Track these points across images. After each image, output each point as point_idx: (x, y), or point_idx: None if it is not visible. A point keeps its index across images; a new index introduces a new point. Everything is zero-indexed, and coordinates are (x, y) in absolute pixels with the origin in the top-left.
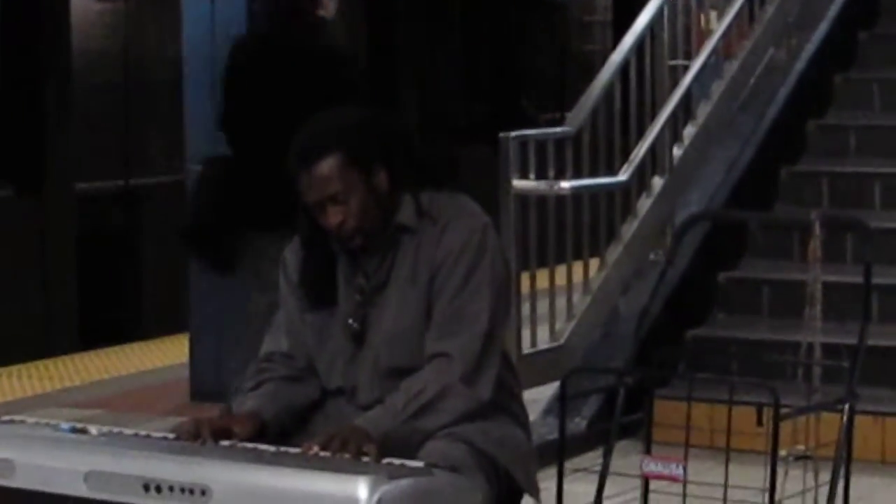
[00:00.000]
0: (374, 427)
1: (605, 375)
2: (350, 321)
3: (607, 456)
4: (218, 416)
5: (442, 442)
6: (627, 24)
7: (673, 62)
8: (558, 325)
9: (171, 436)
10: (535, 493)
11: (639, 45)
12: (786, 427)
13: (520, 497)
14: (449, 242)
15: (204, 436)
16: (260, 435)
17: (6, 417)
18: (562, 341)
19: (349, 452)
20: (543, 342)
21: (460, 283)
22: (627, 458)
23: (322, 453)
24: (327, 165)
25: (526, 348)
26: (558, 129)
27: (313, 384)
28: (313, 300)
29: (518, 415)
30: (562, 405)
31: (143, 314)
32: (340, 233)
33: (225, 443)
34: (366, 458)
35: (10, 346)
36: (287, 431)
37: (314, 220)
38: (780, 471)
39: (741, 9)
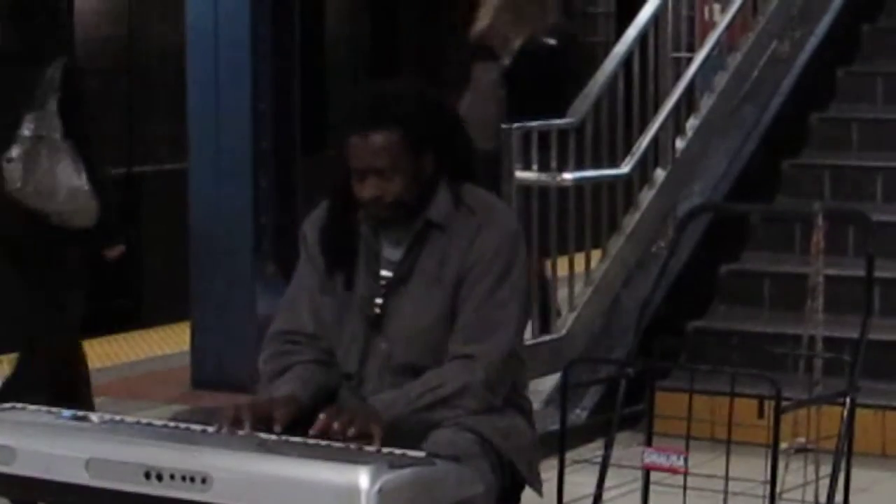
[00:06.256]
0: (384, 409)
1: (606, 366)
2: (377, 309)
3: (608, 447)
4: (258, 401)
5: (449, 431)
6: (631, 15)
7: (676, 54)
8: (560, 317)
9: (172, 423)
10: (537, 486)
11: (642, 37)
12: (787, 419)
13: (522, 489)
14: (480, 247)
15: (245, 423)
16: (299, 419)
17: (7, 404)
18: (563, 332)
19: (353, 430)
20: (545, 333)
21: (489, 289)
22: (628, 449)
23: (327, 432)
24: (384, 138)
25: (527, 339)
26: (561, 121)
27: (336, 369)
28: (332, 269)
29: (524, 407)
30: (563, 396)
31: (145, 302)
32: (372, 206)
33: (241, 432)
34: (369, 446)
35: (12, 334)
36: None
37: (349, 192)
38: (780, 463)
39: (744, 1)
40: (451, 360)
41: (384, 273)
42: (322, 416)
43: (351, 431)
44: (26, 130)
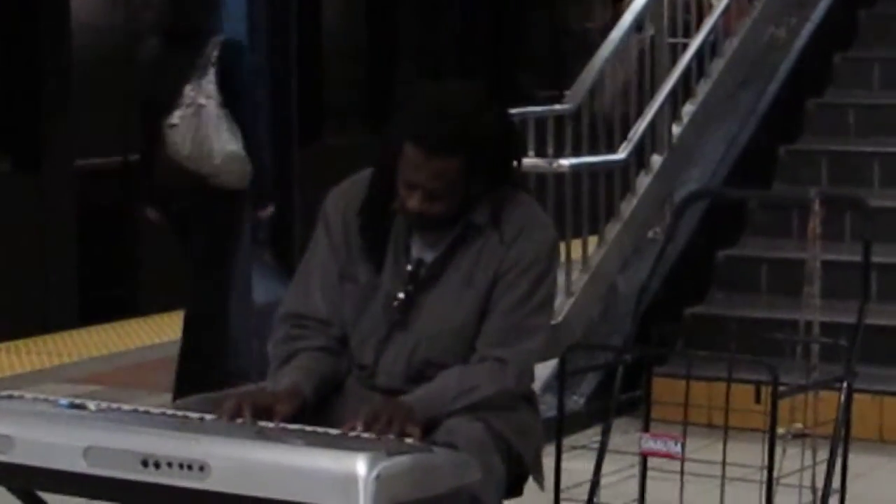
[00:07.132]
0: (421, 409)
1: (603, 353)
2: (396, 302)
3: (606, 433)
4: (259, 393)
5: (462, 420)
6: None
7: (673, 40)
8: (557, 302)
9: (169, 411)
10: (541, 479)
11: (638, 23)
12: (784, 405)
13: (525, 480)
14: (519, 252)
15: (245, 415)
16: (300, 412)
17: (5, 393)
18: (560, 318)
19: (392, 432)
20: None
21: (525, 295)
22: (626, 435)
23: (364, 432)
24: (447, 166)
25: None
26: (557, 107)
27: (345, 358)
28: (359, 256)
29: (531, 400)
30: (560, 382)
31: (142, 290)
32: (415, 217)
33: (239, 420)
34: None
35: (9, 322)
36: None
37: (391, 182)
38: (778, 448)
39: None
40: (482, 361)
41: (414, 268)
42: (359, 421)
43: (390, 435)
44: (187, 99)
